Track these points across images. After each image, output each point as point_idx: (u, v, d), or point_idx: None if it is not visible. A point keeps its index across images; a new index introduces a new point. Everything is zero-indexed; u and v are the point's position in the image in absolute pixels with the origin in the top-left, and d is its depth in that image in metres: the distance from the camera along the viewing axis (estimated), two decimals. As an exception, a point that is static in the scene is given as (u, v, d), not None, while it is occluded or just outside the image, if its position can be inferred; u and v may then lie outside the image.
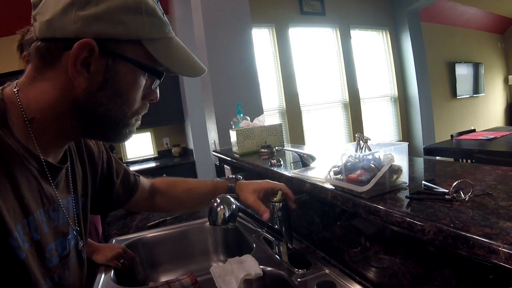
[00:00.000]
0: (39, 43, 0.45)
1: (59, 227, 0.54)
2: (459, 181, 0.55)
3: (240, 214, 0.77)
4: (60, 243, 0.54)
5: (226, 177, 1.08)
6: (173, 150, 3.88)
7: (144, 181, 0.90)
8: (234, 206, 0.73)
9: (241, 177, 0.91)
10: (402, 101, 4.81)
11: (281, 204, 0.85)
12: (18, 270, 0.44)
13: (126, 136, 0.53)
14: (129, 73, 0.47)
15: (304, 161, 1.04)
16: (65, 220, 0.56)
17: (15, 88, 0.47)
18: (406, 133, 4.84)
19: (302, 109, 4.11)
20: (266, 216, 0.78)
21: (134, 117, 0.53)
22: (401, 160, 0.65)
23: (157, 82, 0.53)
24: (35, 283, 0.47)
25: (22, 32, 1.03)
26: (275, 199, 0.86)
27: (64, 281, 0.54)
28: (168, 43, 0.50)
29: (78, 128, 0.50)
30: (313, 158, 1.03)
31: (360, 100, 4.46)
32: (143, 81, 0.50)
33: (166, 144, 4.01)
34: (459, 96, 5.46)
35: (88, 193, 0.67)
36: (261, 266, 0.84)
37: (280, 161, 1.14)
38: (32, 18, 0.46)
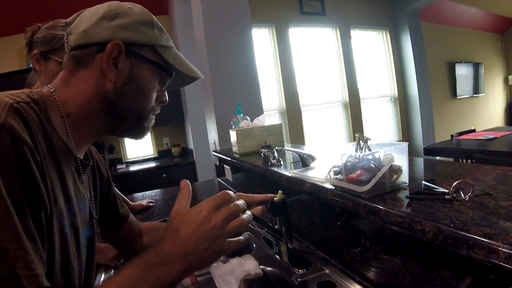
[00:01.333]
0: (74, 51, 0.55)
1: (85, 218, 0.61)
2: (459, 181, 0.55)
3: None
4: (85, 231, 0.61)
5: None
6: (173, 150, 3.88)
7: (134, 219, 0.88)
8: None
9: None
10: (402, 101, 4.81)
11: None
12: (64, 249, 0.50)
13: (145, 131, 0.63)
14: (148, 72, 0.58)
15: (304, 161, 1.04)
16: (88, 212, 0.63)
17: (51, 89, 0.55)
18: (406, 133, 4.84)
19: (302, 109, 4.11)
20: None
21: (151, 113, 0.62)
22: (401, 160, 0.65)
23: (167, 83, 0.63)
24: (71, 264, 0.52)
25: (32, 29, 1.04)
26: (275, 199, 0.86)
27: (87, 265, 0.61)
28: (174, 51, 0.62)
29: (107, 123, 0.59)
30: (313, 158, 1.03)
31: (360, 100, 4.46)
32: (156, 81, 0.60)
33: (166, 144, 4.01)
34: (459, 96, 5.46)
35: (97, 194, 0.72)
36: (261, 266, 0.84)
37: (280, 161, 1.15)
38: (66, 35, 0.56)
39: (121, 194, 1.51)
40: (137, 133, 0.63)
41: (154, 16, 0.60)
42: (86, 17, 0.55)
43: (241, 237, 0.52)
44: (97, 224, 0.68)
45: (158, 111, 0.65)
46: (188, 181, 0.54)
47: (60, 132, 0.53)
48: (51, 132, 0.50)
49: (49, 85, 0.56)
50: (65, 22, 0.58)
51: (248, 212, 0.53)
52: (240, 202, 0.52)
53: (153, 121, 0.64)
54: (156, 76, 0.60)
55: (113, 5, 0.56)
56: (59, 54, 1.02)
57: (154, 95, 0.61)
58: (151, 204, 1.59)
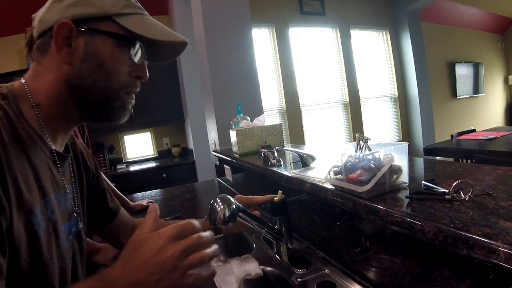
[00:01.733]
0: (37, 42, 0.54)
1: (66, 211, 0.59)
2: (459, 181, 0.55)
3: (240, 214, 0.77)
4: (67, 226, 0.59)
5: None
6: (173, 150, 3.88)
7: (126, 213, 0.86)
8: (234, 206, 0.73)
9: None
10: (402, 101, 4.81)
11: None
12: (35, 247, 0.48)
13: (120, 112, 0.58)
14: (105, 45, 0.53)
15: (304, 161, 1.04)
16: (70, 206, 0.61)
17: (22, 81, 0.55)
18: (406, 133, 4.83)
19: (302, 109, 4.11)
20: None
21: (123, 91, 0.57)
22: (401, 160, 0.65)
23: (137, 54, 0.56)
24: (45, 263, 0.50)
25: (32, 29, 0.99)
26: (275, 199, 0.86)
27: (72, 261, 0.59)
28: (140, 17, 0.56)
29: (77, 110, 0.56)
30: (313, 158, 1.03)
31: (360, 100, 4.46)
32: (122, 54, 0.55)
33: (166, 144, 4.01)
34: (459, 96, 5.46)
35: (84, 186, 0.69)
36: (261, 266, 0.84)
37: (280, 161, 1.15)
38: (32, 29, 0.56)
39: (121, 194, 1.51)
40: (112, 116, 0.58)
41: None
42: (42, 8, 0.54)
43: (203, 272, 0.45)
44: (82, 218, 0.65)
45: (136, 88, 0.59)
46: (157, 206, 0.49)
47: (32, 124, 0.52)
48: (21, 124, 0.49)
49: (21, 78, 0.55)
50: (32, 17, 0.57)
51: (215, 246, 0.46)
52: (206, 233, 0.46)
53: (132, 101, 0.59)
54: (118, 48, 0.54)
55: None
56: None
57: (123, 70, 0.55)
58: (151, 204, 1.59)
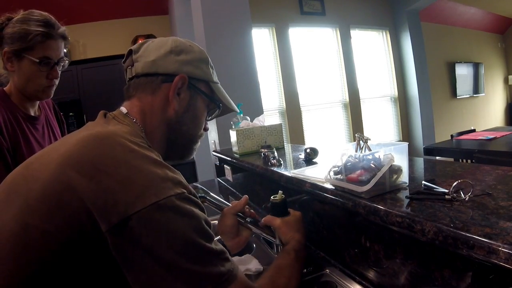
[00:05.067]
0: (140, 78, 0.62)
1: None
2: (459, 181, 0.55)
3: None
4: None
5: None
6: (173, 150, 3.88)
7: None
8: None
9: None
10: (402, 101, 4.81)
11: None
12: None
13: (193, 153, 0.72)
14: (202, 103, 0.68)
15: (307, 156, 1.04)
16: None
17: (124, 110, 0.63)
18: (406, 133, 4.83)
19: (302, 109, 4.11)
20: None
21: (200, 138, 0.71)
22: (401, 160, 0.65)
23: (214, 114, 0.72)
24: None
25: (1, 22, 0.93)
26: (275, 199, 0.85)
27: None
28: (220, 87, 0.71)
29: (165, 150, 0.65)
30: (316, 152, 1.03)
31: (360, 100, 4.46)
32: (207, 112, 0.70)
33: (166, 144, 4.01)
34: (459, 96, 5.46)
35: None
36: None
37: (280, 161, 1.15)
38: (133, 61, 0.63)
39: None
40: (187, 155, 0.71)
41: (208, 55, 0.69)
42: (153, 49, 0.63)
43: None
44: None
45: (203, 137, 0.74)
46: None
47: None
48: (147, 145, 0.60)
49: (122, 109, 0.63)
50: (131, 49, 0.64)
51: None
52: None
53: (199, 144, 0.73)
54: (206, 107, 0.69)
55: (178, 41, 0.65)
56: (34, 53, 0.91)
57: (203, 124, 0.70)
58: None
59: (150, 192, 0.46)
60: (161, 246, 0.45)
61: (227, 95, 0.72)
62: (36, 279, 0.45)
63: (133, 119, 0.61)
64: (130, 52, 0.64)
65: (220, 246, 0.52)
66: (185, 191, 0.50)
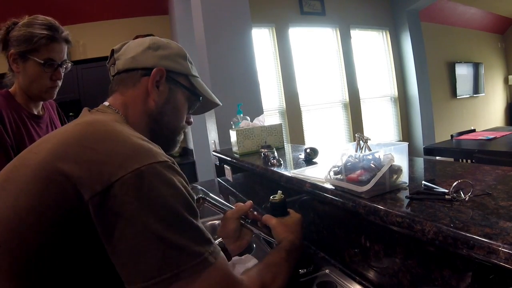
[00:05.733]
0: (122, 74, 0.66)
1: None
2: (459, 181, 0.55)
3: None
4: None
5: None
6: (173, 150, 3.88)
7: None
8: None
9: None
10: (402, 101, 4.81)
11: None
12: None
13: (176, 145, 0.74)
14: (182, 96, 0.70)
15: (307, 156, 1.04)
16: None
17: (106, 103, 0.65)
18: (406, 133, 4.83)
19: (302, 109, 4.11)
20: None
21: (182, 130, 0.73)
22: (401, 160, 0.65)
23: (194, 107, 0.74)
24: None
25: (7, 26, 0.98)
26: (275, 199, 0.85)
27: None
28: (200, 80, 0.74)
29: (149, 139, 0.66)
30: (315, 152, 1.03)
31: (360, 100, 4.46)
32: (187, 105, 0.72)
33: (166, 144, 4.00)
34: (459, 96, 5.46)
35: None
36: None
37: (280, 161, 1.15)
38: (115, 59, 0.67)
39: None
40: (171, 148, 0.73)
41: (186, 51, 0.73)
42: (133, 47, 0.67)
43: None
44: None
45: (186, 129, 0.76)
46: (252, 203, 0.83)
47: None
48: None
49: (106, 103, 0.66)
50: (113, 49, 0.68)
51: None
52: None
53: (182, 137, 0.75)
54: (187, 100, 0.71)
55: (156, 39, 0.69)
56: (38, 54, 0.96)
57: (184, 116, 0.72)
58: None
59: (133, 160, 0.46)
60: (144, 213, 0.44)
61: (208, 88, 0.75)
62: (35, 265, 0.45)
63: (116, 110, 0.63)
64: (113, 52, 0.68)
65: (202, 226, 0.51)
66: (168, 160, 0.50)
